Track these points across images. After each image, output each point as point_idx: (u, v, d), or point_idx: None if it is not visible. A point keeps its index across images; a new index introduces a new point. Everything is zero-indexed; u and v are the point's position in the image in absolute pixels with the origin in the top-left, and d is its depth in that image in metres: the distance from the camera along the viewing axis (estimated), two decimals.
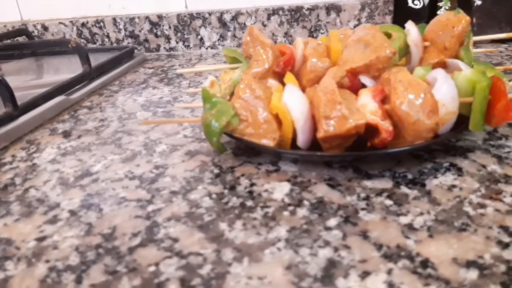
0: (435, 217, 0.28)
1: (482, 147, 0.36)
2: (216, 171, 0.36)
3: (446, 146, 0.37)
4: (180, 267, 0.26)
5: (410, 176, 0.33)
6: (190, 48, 0.85)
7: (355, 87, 0.38)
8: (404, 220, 0.28)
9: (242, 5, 0.83)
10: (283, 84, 0.39)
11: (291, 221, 0.29)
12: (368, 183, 0.33)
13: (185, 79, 0.65)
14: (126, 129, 0.47)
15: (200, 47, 0.85)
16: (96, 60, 0.69)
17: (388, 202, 0.30)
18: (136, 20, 0.85)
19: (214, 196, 0.33)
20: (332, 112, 0.33)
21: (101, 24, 0.86)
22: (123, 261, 0.27)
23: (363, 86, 0.38)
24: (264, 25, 0.81)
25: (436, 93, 0.32)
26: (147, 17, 0.84)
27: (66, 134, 0.48)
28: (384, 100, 0.35)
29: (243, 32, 0.82)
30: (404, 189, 0.31)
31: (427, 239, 0.26)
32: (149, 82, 0.66)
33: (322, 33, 0.80)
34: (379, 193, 0.31)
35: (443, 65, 0.40)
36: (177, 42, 0.86)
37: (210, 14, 0.82)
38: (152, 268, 0.26)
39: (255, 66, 0.41)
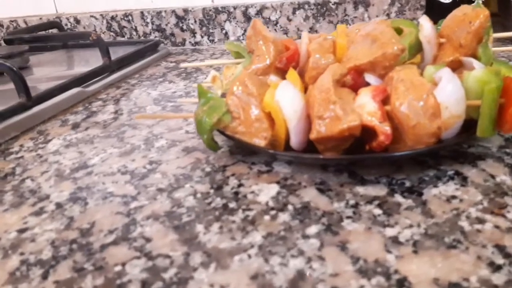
0: (424, 230, 0.25)
1: (495, 155, 0.33)
2: (208, 169, 0.35)
3: (455, 152, 0.34)
4: (145, 269, 0.25)
5: (408, 184, 0.30)
6: (215, 42, 0.85)
7: (359, 86, 0.36)
8: (390, 232, 0.26)
9: None
10: None
11: (270, 227, 0.27)
12: (360, 189, 0.30)
13: (203, 74, 0.65)
14: (132, 123, 0.47)
15: (224, 42, 0.84)
16: (123, 53, 0.70)
17: (377, 211, 0.28)
18: (163, 14, 0.85)
19: (198, 195, 0.32)
20: (326, 112, 0.31)
21: (129, 17, 0.88)
22: (92, 259, 0.26)
23: (368, 85, 0.36)
24: (289, 20, 0.79)
25: (438, 94, 0.29)
26: (173, 11, 0.84)
27: (75, 126, 0.48)
28: (386, 100, 0.32)
29: (268, 27, 0.80)
30: (398, 197, 0.29)
31: (410, 255, 0.24)
32: (167, 76, 0.66)
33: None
34: (370, 200, 0.29)
35: (458, 63, 0.37)
36: (202, 37, 0.85)
37: (235, 8, 0.81)
38: (118, 268, 0.25)
39: (257, 62, 0.40)
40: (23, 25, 0.94)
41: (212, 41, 0.85)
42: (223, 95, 0.40)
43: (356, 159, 0.33)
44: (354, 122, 0.30)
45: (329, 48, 0.39)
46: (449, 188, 0.29)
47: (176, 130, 0.44)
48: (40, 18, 0.93)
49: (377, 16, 0.75)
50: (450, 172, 0.31)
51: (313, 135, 0.32)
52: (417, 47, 0.37)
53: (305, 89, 0.38)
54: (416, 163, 0.33)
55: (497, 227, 0.25)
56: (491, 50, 0.36)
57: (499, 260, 0.23)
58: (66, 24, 0.91)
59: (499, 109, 0.30)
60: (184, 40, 0.87)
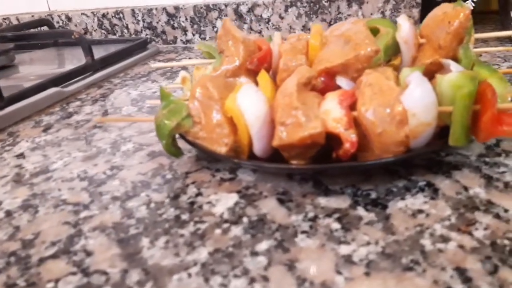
0: (382, 249, 0.23)
1: (473, 164, 0.31)
2: (169, 176, 0.34)
3: (430, 161, 0.32)
4: (78, 286, 0.23)
5: (373, 195, 0.28)
6: (206, 40, 0.83)
7: (331, 89, 0.34)
8: (344, 250, 0.24)
9: None
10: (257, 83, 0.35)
11: (219, 242, 0.25)
12: (322, 201, 0.28)
13: (188, 73, 0.63)
14: (104, 125, 0.46)
15: (216, 40, 0.82)
16: (113, 50, 0.69)
17: (336, 225, 0.26)
18: (154, 11, 0.84)
19: (152, 205, 0.30)
20: (288, 118, 0.29)
21: (120, 15, 0.86)
22: (27, 274, 0.24)
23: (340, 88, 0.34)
24: (282, 18, 0.77)
25: (405, 100, 0.27)
26: (164, 9, 0.83)
27: (47, 128, 0.47)
28: (354, 105, 0.30)
29: (259, 25, 0.79)
30: (360, 210, 0.27)
31: (361, 277, 0.22)
32: (151, 75, 0.64)
33: None
34: (330, 213, 0.27)
35: (438, 65, 0.34)
36: (193, 34, 0.83)
37: (226, 5, 0.79)
38: (50, 285, 0.23)
39: (226, 63, 0.38)
40: (15, 23, 0.94)
41: (203, 39, 0.83)
42: None
43: (319, 169, 0.31)
44: (315, 129, 0.28)
45: (302, 49, 0.37)
46: (417, 201, 0.27)
47: (146, 133, 0.42)
48: (32, 16, 0.92)
49: (371, 14, 0.73)
50: (421, 183, 0.29)
51: (275, 142, 0.30)
52: (394, 48, 0.35)
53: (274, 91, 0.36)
54: (386, 172, 0.31)
55: (461, 246, 0.23)
56: (472, 52, 0.33)
57: (457, 286, 0.20)
58: (58, 22, 0.90)
59: (474, 116, 0.28)
60: (176, 38, 0.85)
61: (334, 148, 0.31)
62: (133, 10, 0.85)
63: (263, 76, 0.37)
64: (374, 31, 0.36)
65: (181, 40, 0.85)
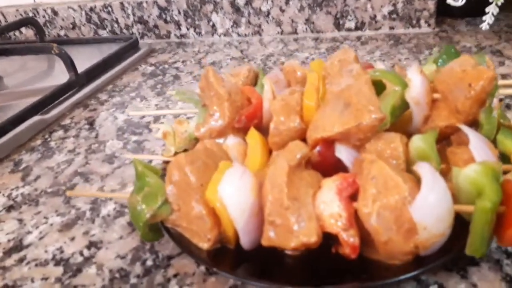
0: None
1: (493, 258, 0.27)
2: (149, 262, 0.30)
3: None
4: None
5: None
6: (201, 35, 0.77)
7: (329, 161, 0.30)
8: None
9: None
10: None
11: None
12: None
13: (180, 84, 0.58)
14: (86, 170, 0.42)
15: (212, 34, 0.76)
16: (101, 52, 0.65)
17: None
18: (144, 4, 0.77)
19: None
20: (277, 217, 0.25)
21: (109, 9, 0.80)
22: None
23: (339, 161, 0.29)
24: (282, 11, 0.70)
25: (414, 212, 0.23)
26: (155, 1, 0.76)
27: (26, 174, 0.43)
28: (355, 194, 0.26)
29: (258, 18, 0.72)
30: None
31: None
32: (141, 89, 0.59)
33: (349, 20, 0.68)
34: None
35: (454, 128, 0.30)
36: (187, 29, 0.77)
37: None
38: None
39: (211, 120, 0.33)
40: (0, 18, 0.88)
41: (199, 33, 0.77)
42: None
43: None
44: (309, 238, 0.24)
45: (295, 107, 0.32)
46: None
47: (128, 185, 0.39)
48: (17, 10, 0.86)
49: (381, 7, 0.66)
50: (432, 287, 0.25)
51: (264, 242, 0.26)
52: (403, 107, 0.30)
53: (271, 152, 0.32)
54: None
55: None
56: (495, 117, 0.28)
57: None
58: (44, 16, 0.84)
59: (498, 217, 0.24)
60: (169, 32, 0.79)
61: (333, 241, 0.27)
62: (122, 4, 0.79)
63: (253, 136, 0.33)
64: (380, 86, 0.31)
65: (175, 34, 0.79)
